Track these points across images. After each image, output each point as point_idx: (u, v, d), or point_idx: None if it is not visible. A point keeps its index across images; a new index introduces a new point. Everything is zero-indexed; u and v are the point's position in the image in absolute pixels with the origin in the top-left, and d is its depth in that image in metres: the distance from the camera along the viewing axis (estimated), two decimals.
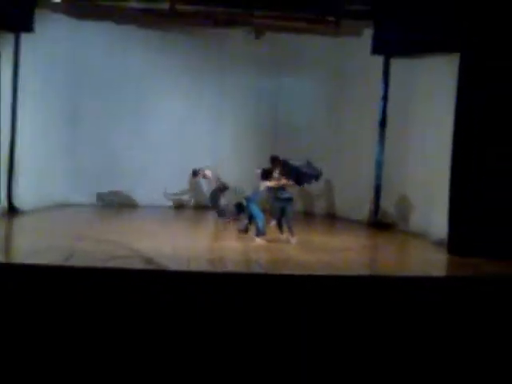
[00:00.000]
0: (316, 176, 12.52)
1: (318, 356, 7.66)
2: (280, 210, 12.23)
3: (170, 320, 7.64)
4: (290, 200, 12.23)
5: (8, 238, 12.10)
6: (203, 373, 7.40)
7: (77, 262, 9.09)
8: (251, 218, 12.24)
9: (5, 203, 13.99)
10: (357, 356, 7.79)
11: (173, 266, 8.94)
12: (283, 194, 12.15)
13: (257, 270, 9.47)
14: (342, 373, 7.64)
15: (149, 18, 16.16)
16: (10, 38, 13.98)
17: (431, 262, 10.87)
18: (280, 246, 11.70)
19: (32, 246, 10.47)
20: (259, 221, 12.05)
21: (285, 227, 12.30)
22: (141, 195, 16.83)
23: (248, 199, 12.28)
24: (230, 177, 15.74)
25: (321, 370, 7.59)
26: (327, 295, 8.18)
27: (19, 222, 13.52)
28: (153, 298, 7.76)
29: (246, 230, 12.44)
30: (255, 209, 12.14)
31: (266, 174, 12.13)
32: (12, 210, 14.07)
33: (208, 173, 15.29)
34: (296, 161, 12.46)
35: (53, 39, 15.50)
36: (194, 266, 9.23)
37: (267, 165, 12.81)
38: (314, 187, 14.90)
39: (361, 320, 8.02)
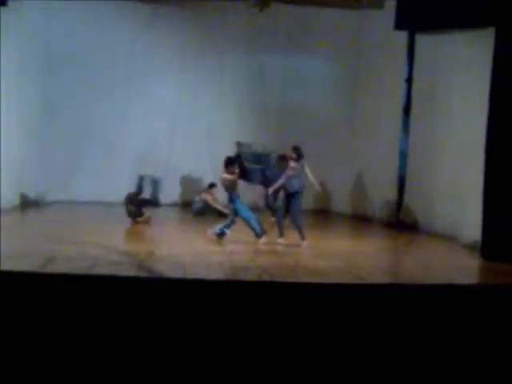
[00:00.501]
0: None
1: (329, 374, 7.77)
2: (284, 207, 12.35)
3: (166, 328, 7.75)
4: (295, 194, 12.09)
5: None
6: (202, 380, 7.54)
7: (57, 267, 9.20)
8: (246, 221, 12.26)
9: None
10: (378, 373, 7.88)
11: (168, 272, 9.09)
12: (291, 188, 12.09)
13: (265, 277, 9.52)
14: None
15: None
16: None
17: (461, 268, 10.89)
18: (291, 251, 11.76)
19: (8, 249, 10.60)
20: (251, 221, 12.13)
21: (289, 227, 12.42)
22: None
23: (231, 200, 12.21)
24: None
25: None
26: (341, 306, 8.22)
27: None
28: (146, 307, 7.87)
29: (221, 235, 12.29)
30: (242, 209, 12.17)
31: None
32: None
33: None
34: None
35: (28, 15, 15.54)
36: (191, 273, 9.31)
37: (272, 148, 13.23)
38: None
39: (380, 334, 8.06)
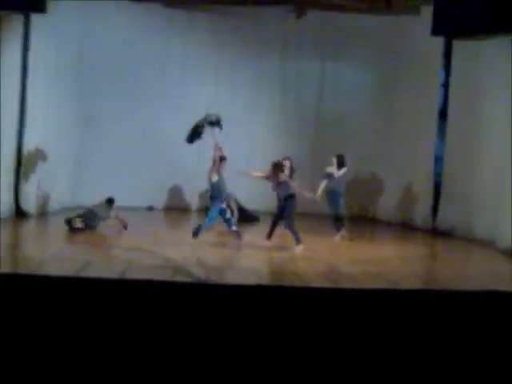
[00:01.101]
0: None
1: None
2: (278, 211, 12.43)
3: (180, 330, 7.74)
4: (289, 198, 12.19)
5: (16, 245, 12.24)
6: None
7: (92, 272, 9.19)
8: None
9: (12, 206, 14.11)
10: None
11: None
12: (283, 192, 12.22)
13: (295, 282, 9.46)
14: None
15: None
16: (19, 20, 14.14)
17: (498, 275, 10.73)
18: (321, 256, 11.71)
19: (43, 254, 10.65)
20: (208, 220, 12.36)
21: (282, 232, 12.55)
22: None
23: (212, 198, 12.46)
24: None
25: None
26: (375, 311, 8.16)
27: (28, 227, 13.67)
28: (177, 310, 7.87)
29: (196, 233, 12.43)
30: (215, 209, 12.37)
31: None
32: (20, 214, 14.21)
33: None
34: None
35: (64, 20, 15.61)
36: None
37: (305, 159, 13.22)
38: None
39: (415, 340, 7.96)
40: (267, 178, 12.44)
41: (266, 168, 12.49)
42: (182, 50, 17.45)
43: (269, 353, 7.67)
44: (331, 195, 13.42)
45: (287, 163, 13.37)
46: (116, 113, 17.06)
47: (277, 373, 7.58)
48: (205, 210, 15.13)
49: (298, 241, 12.03)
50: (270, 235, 12.43)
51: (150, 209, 17.44)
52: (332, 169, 13.51)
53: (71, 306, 7.75)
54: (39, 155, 14.95)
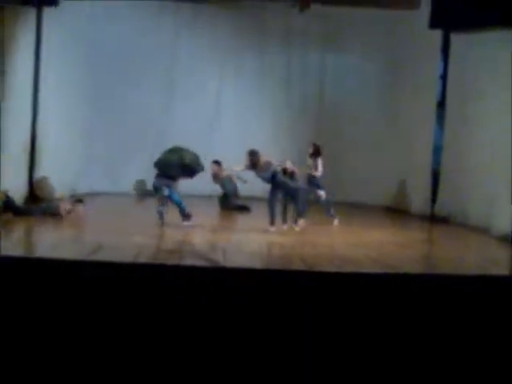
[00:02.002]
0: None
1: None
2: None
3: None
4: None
5: (30, 230, 12.35)
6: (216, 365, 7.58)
7: (104, 256, 9.31)
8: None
9: (26, 192, 14.22)
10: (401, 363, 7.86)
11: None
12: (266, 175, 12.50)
13: (301, 266, 9.55)
14: None
15: None
16: (31, 13, 14.21)
17: (492, 259, 10.82)
18: (324, 241, 11.78)
19: (55, 238, 10.78)
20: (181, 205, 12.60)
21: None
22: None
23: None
24: (273, 155, 16.11)
25: None
26: (377, 294, 8.24)
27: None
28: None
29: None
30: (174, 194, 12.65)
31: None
32: (33, 199, 14.30)
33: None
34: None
35: (76, 14, 15.72)
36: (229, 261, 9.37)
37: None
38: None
39: (413, 321, 8.05)
40: (248, 167, 12.71)
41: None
42: (188, 42, 17.51)
43: (273, 334, 7.70)
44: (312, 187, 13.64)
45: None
46: (124, 103, 17.12)
47: (279, 353, 7.60)
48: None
49: (271, 222, 12.35)
50: (284, 220, 12.73)
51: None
52: (310, 168, 13.61)
53: (83, 290, 7.73)
54: (50, 143, 15.04)
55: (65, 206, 12.96)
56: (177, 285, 8.04)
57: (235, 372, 7.51)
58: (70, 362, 7.41)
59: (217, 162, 15.59)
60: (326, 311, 7.89)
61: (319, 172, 13.49)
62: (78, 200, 13.39)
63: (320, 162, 13.58)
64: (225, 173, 15.19)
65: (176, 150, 12.98)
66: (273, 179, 12.49)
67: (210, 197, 16.35)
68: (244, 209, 15.50)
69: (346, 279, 8.57)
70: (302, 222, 12.80)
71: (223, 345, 7.61)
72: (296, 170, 12.95)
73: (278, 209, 12.74)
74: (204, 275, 8.45)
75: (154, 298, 7.78)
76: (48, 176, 14.83)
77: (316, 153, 13.71)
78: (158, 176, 12.71)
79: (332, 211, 13.63)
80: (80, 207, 13.16)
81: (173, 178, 12.75)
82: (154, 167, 12.76)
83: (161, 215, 12.56)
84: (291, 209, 12.90)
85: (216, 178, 15.56)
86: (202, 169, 13.14)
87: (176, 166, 12.69)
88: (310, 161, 13.63)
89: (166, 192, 12.59)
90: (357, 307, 8.01)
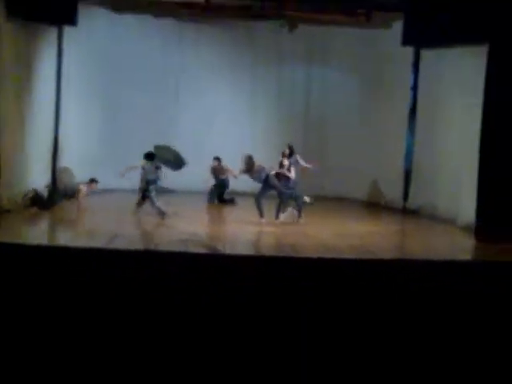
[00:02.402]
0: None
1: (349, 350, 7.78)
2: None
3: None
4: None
5: (55, 223, 12.42)
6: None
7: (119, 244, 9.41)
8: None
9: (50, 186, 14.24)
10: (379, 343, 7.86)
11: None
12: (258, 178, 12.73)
13: (289, 253, 9.63)
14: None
15: (184, 11, 16.43)
16: (53, 31, 14.30)
17: (457, 247, 10.99)
18: (311, 231, 11.91)
19: (77, 230, 10.90)
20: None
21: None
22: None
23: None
24: (265, 158, 16.32)
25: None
26: (355, 279, 8.33)
27: (65, 207, 13.74)
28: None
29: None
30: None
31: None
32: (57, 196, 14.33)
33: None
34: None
35: (93, 32, 15.89)
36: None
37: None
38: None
39: (385, 303, 8.15)
40: (244, 171, 12.92)
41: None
42: (191, 59, 17.54)
43: (270, 319, 7.75)
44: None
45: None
46: (134, 110, 17.18)
47: (277, 336, 7.62)
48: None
49: (261, 215, 12.49)
50: (277, 215, 12.79)
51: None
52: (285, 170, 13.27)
53: (97, 276, 7.80)
54: (70, 144, 15.13)
55: (83, 189, 13.20)
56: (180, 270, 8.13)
57: (235, 353, 7.45)
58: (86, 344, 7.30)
59: (217, 159, 15.74)
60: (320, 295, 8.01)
61: (293, 173, 13.19)
62: (92, 180, 13.54)
63: (291, 162, 13.41)
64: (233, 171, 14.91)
65: (161, 148, 13.69)
66: (265, 181, 12.63)
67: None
68: (231, 202, 15.63)
69: (330, 264, 8.68)
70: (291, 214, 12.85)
71: (224, 330, 7.60)
72: (291, 175, 12.94)
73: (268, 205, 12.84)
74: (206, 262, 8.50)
75: (159, 284, 7.83)
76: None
77: (291, 153, 13.75)
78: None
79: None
80: (94, 185, 13.44)
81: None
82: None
83: (160, 210, 12.68)
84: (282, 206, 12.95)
85: (217, 172, 15.60)
86: (185, 164, 13.97)
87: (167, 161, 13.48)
88: (286, 161, 13.32)
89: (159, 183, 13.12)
90: (341, 290, 8.11)
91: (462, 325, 8.06)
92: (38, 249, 8.62)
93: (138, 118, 17.09)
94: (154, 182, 13.12)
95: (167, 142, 16.07)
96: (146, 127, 16.91)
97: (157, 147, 13.96)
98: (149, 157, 13.28)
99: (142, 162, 13.32)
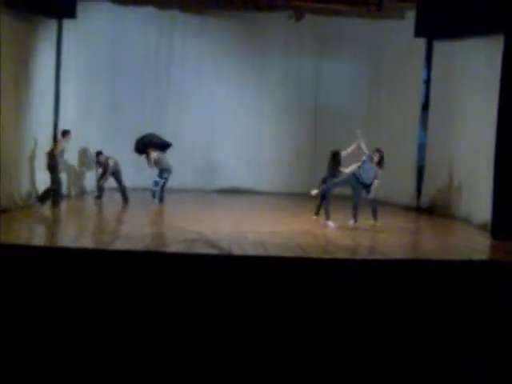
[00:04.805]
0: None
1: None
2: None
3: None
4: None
5: (53, 222, 12.42)
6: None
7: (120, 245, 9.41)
8: None
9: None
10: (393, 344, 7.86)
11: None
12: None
13: (299, 253, 9.59)
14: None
15: (189, 2, 16.42)
16: (52, 23, 14.28)
17: (473, 247, 10.94)
18: (320, 231, 11.88)
19: (75, 229, 10.88)
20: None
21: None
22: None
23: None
24: (271, 158, 16.30)
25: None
26: (368, 279, 8.29)
27: (64, 207, 13.78)
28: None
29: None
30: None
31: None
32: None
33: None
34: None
35: (94, 25, 15.86)
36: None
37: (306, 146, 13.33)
38: None
39: (400, 304, 8.11)
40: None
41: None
42: (196, 50, 17.58)
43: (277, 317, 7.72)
44: None
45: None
46: (139, 106, 17.20)
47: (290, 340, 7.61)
48: None
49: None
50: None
51: None
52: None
53: (104, 278, 7.73)
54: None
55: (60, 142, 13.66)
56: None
57: (237, 351, 7.46)
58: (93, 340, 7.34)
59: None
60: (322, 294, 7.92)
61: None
62: (65, 131, 13.72)
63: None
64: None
65: (146, 137, 14.69)
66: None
67: None
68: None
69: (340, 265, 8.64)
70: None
71: (232, 335, 7.57)
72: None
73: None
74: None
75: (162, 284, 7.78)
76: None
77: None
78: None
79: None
80: (69, 135, 13.69)
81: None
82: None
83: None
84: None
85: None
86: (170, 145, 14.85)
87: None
88: None
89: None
90: (351, 292, 8.06)
91: (479, 328, 8.00)
92: (40, 250, 8.61)
93: (138, 110, 17.09)
94: (170, 170, 14.40)
95: (170, 135, 16.15)
96: (146, 120, 16.89)
97: (141, 138, 14.58)
98: (163, 147, 14.59)
99: (155, 153, 14.39)
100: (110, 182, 14.80)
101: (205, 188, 17.33)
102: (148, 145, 14.56)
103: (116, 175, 14.64)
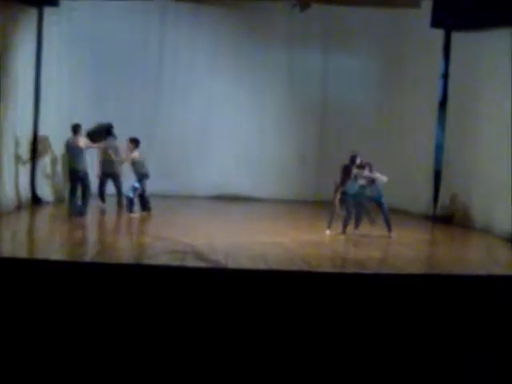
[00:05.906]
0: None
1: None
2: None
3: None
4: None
5: (32, 230, 12.36)
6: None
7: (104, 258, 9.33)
8: None
9: (28, 194, 14.18)
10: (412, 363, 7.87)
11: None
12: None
13: (301, 267, 9.53)
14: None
15: None
16: (33, 12, 14.21)
17: (495, 260, 10.84)
18: (325, 240, 11.82)
19: (56, 239, 10.81)
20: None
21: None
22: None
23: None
24: (274, 156, 16.24)
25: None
26: (379, 295, 8.24)
27: (44, 214, 13.77)
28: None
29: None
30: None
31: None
32: (35, 201, 14.28)
33: None
34: None
35: (77, 13, 15.68)
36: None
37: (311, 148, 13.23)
38: None
39: (416, 321, 8.07)
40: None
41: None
42: (191, 40, 17.47)
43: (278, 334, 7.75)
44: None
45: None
46: (125, 99, 17.09)
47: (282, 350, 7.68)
48: None
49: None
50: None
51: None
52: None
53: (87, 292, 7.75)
54: (52, 142, 15.00)
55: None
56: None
57: (236, 367, 7.56)
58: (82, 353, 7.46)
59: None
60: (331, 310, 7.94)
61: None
62: None
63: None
64: None
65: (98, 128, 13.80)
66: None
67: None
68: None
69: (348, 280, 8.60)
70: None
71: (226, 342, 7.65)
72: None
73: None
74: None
75: (158, 297, 7.81)
76: None
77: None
78: None
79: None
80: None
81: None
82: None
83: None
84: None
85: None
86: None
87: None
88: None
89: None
90: (362, 306, 8.03)
91: (502, 351, 8.01)
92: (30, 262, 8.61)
93: (125, 104, 16.95)
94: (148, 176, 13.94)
95: (162, 132, 16.04)
96: (134, 114, 16.81)
97: (93, 130, 13.77)
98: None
99: (136, 153, 13.85)
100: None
101: (198, 194, 17.22)
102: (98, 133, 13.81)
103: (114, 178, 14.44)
